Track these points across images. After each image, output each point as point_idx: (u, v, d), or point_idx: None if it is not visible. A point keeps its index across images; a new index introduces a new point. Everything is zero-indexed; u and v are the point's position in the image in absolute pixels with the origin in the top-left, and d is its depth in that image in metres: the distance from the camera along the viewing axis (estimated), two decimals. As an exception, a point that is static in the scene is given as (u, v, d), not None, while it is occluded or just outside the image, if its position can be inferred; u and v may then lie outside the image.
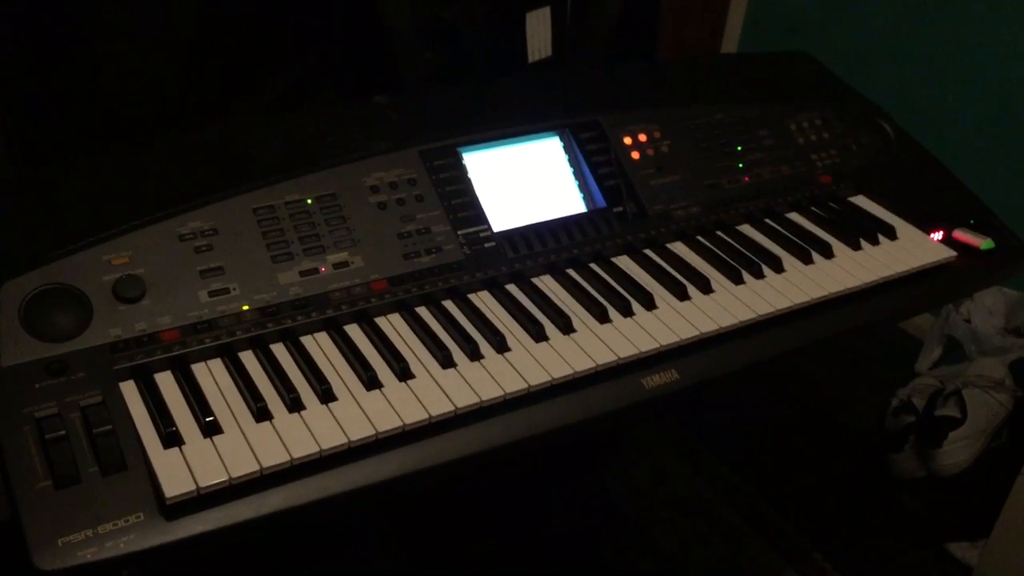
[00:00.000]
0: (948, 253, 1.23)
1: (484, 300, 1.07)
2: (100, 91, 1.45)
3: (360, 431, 0.87)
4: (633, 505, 1.86)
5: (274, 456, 0.83)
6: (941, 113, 2.17)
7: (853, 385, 2.17)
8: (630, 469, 1.95)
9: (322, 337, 0.98)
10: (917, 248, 1.23)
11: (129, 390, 0.88)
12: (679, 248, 1.19)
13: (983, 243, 1.26)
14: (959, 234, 1.28)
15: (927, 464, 1.84)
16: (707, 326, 1.05)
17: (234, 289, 0.97)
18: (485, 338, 1.00)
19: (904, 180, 1.37)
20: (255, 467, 0.82)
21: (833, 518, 1.88)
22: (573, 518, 1.81)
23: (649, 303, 1.08)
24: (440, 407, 0.91)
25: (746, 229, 1.25)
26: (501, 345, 0.99)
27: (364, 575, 1.64)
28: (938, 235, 1.28)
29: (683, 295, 1.10)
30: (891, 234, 1.25)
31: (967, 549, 1.78)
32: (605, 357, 0.99)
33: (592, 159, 1.21)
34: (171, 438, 0.83)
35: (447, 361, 0.96)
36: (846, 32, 2.35)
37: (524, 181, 1.18)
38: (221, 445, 0.84)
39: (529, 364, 0.97)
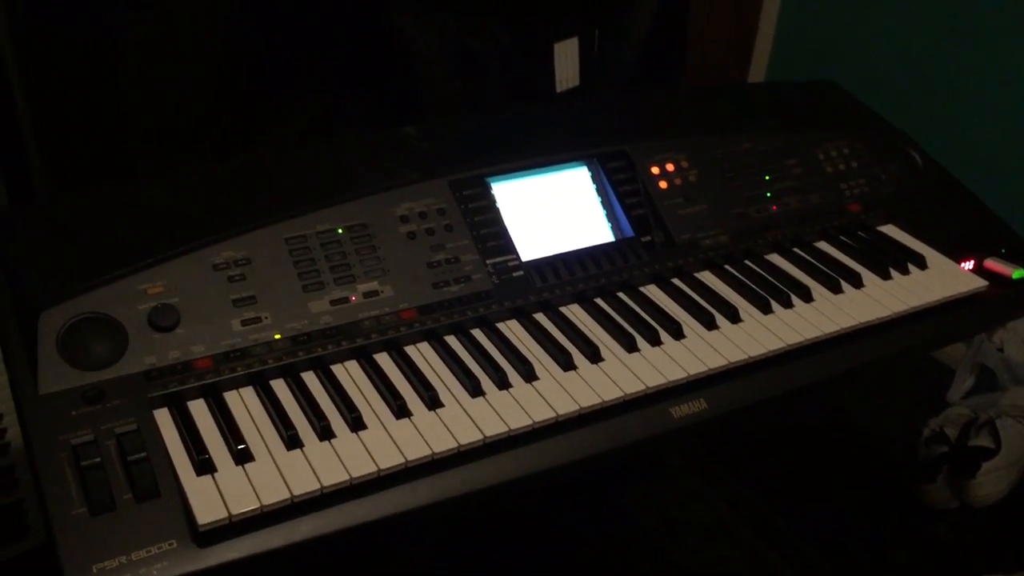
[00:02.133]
0: (979, 283, 1.22)
1: (512, 329, 1.07)
2: (131, 121, 1.48)
3: (389, 460, 0.87)
4: (657, 528, 1.84)
5: (305, 484, 0.84)
6: (971, 141, 2.16)
7: (884, 414, 2.15)
8: (655, 492, 1.93)
9: (352, 366, 0.99)
10: (948, 278, 1.23)
11: (163, 418, 0.89)
12: (707, 277, 1.19)
13: (1015, 272, 1.25)
14: (990, 263, 1.27)
15: (960, 495, 1.81)
16: (736, 356, 1.05)
17: (266, 318, 0.98)
18: (513, 367, 1.00)
19: (934, 209, 1.36)
20: (286, 495, 0.82)
21: (864, 548, 1.85)
22: (596, 539, 1.80)
23: (677, 332, 1.08)
24: (469, 436, 0.91)
25: (775, 258, 1.25)
26: (529, 374, 1.00)
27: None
28: (969, 264, 1.27)
29: (711, 324, 1.10)
30: (921, 263, 1.25)
31: (1002, 582, 1.75)
32: (633, 386, 0.99)
33: (620, 188, 1.22)
34: (204, 465, 0.84)
35: (476, 390, 0.97)
36: (874, 61, 2.35)
37: (552, 211, 1.18)
38: (253, 473, 0.85)
39: (557, 393, 0.98)
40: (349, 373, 0.98)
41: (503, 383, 0.98)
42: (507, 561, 1.73)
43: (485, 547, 1.75)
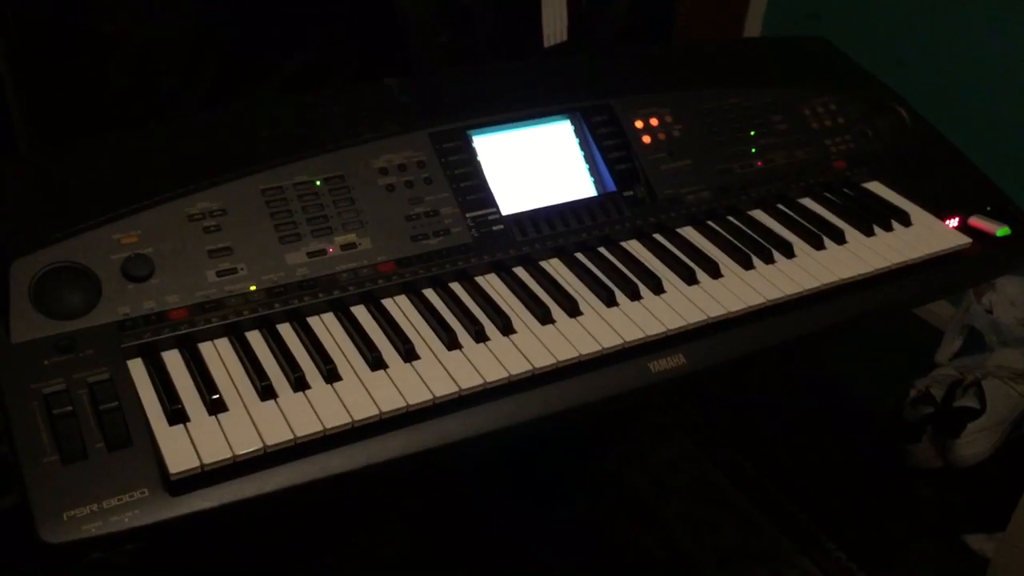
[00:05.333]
0: (962, 240, 1.22)
1: (491, 283, 1.07)
2: (111, 72, 1.46)
3: (364, 411, 0.87)
4: (646, 491, 1.85)
5: (278, 434, 0.84)
6: (962, 100, 2.15)
7: (872, 375, 2.16)
8: (643, 455, 1.94)
9: (329, 318, 0.99)
10: (931, 234, 1.22)
11: (136, 368, 0.89)
12: (689, 232, 1.19)
13: (999, 230, 1.24)
14: (975, 221, 1.26)
15: (944, 455, 1.82)
16: (715, 311, 1.05)
17: (242, 269, 0.98)
18: (491, 320, 1.00)
19: (920, 166, 1.35)
20: (259, 445, 0.82)
21: (848, 508, 1.87)
22: (585, 503, 1.81)
23: (657, 287, 1.07)
24: (444, 388, 0.91)
25: (757, 214, 1.24)
26: (507, 327, 0.99)
27: (378, 559, 1.65)
28: (953, 221, 1.26)
29: (691, 279, 1.09)
30: (905, 220, 1.24)
31: (984, 541, 1.76)
32: (611, 340, 0.99)
33: (603, 143, 1.21)
34: (176, 415, 0.84)
35: (452, 343, 0.96)
36: (869, 19, 2.33)
37: (534, 164, 1.17)
38: (226, 423, 0.85)
39: (535, 346, 0.97)
40: (325, 325, 0.98)
41: (480, 336, 0.98)
42: (493, 521, 1.74)
43: (469, 507, 1.76)
